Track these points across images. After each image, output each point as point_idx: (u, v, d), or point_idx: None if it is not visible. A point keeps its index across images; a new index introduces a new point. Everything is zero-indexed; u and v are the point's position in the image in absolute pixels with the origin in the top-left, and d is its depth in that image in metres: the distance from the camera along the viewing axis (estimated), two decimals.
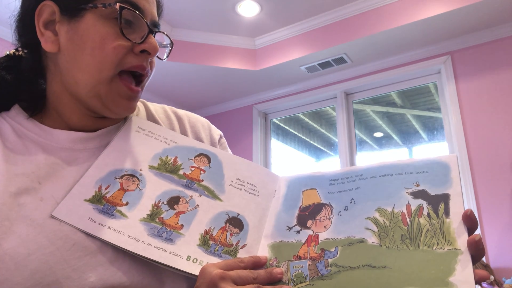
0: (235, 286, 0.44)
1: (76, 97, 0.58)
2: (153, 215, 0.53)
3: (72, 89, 0.57)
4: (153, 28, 0.59)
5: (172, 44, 0.65)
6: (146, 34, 0.56)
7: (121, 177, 0.56)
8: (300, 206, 0.57)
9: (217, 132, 0.73)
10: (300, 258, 0.50)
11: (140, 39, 0.55)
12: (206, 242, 0.53)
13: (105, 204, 0.53)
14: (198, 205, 0.56)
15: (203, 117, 0.75)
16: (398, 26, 2.66)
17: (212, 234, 0.54)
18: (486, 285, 2.30)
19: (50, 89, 0.60)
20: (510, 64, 2.64)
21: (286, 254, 0.51)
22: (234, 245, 0.53)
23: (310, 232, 0.53)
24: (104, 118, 0.61)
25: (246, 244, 0.54)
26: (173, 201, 0.56)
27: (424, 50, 2.93)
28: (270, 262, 0.51)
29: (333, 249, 0.49)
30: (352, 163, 3.18)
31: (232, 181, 0.60)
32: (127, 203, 0.54)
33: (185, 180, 0.59)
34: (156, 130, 0.64)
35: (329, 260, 0.48)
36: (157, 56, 0.60)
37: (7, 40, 2.71)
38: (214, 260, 0.51)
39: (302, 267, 0.49)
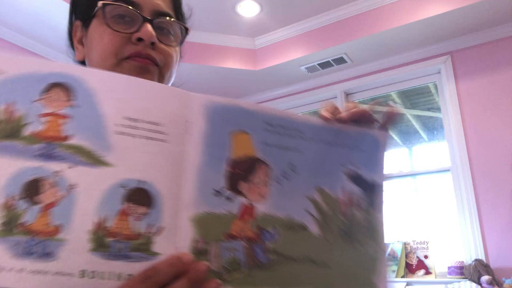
0: None
1: None
2: (10, 223, 0.33)
3: None
4: (155, 17, 0.60)
5: (186, 30, 0.64)
6: (140, 23, 0.58)
7: None
8: (229, 158, 0.41)
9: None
10: (233, 237, 0.39)
11: (136, 29, 0.58)
12: (102, 241, 0.35)
13: None
14: (73, 185, 0.35)
15: None
16: (398, 26, 2.66)
17: (107, 227, 0.35)
18: (486, 285, 2.30)
19: None
20: (510, 64, 2.64)
21: (215, 231, 0.38)
22: (144, 233, 0.36)
23: (243, 200, 0.40)
24: None
25: (163, 227, 0.36)
26: (31, 189, 0.34)
27: (424, 50, 2.93)
28: (196, 244, 0.38)
29: (271, 230, 0.41)
30: None
31: (118, 125, 0.37)
32: None
33: (39, 145, 0.35)
34: None
35: (268, 244, 0.40)
36: (166, 43, 0.60)
37: (7, 40, 2.71)
38: (120, 265, 0.35)
39: (236, 250, 0.39)
